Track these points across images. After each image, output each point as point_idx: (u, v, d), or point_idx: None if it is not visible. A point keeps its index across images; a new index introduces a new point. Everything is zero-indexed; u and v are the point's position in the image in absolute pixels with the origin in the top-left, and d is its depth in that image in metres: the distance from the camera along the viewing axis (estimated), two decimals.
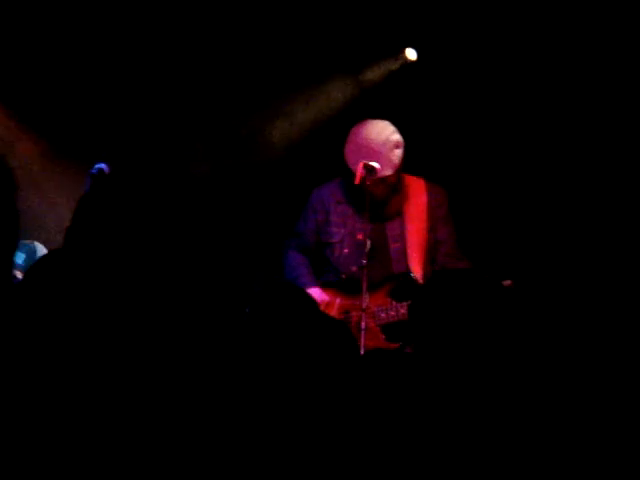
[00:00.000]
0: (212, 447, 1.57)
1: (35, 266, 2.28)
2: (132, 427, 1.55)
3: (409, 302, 3.34)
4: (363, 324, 5.08)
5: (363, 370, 2.66)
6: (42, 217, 6.75)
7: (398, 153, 5.48)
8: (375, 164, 5.36)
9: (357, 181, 5.35)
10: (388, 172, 5.46)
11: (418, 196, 5.63)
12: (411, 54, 6.59)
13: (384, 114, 5.68)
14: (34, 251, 6.23)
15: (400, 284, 5.48)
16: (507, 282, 5.27)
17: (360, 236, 5.39)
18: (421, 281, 5.44)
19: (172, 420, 1.57)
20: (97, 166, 5.46)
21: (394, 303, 5.43)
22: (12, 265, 1.70)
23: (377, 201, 5.49)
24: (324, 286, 5.52)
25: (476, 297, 2.78)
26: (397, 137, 5.50)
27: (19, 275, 5.91)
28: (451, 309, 2.77)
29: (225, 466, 1.57)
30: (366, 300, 5.16)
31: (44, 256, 2.35)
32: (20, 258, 6.20)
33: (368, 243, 5.25)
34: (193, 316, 1.66)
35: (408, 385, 2.60)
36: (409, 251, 5.55)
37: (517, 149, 6.54)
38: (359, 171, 5.34)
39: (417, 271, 5.50)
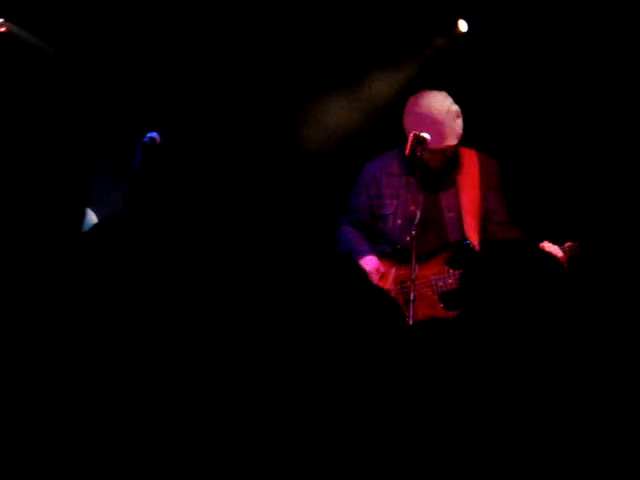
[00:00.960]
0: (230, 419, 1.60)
1: (95, 229, 2.32)
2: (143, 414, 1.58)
3: None
4: (412, 294, 5.10)
5: (406, 342, 2.69)
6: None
7: (460, 122, 5.49)
8: (426, 135, 5.36)
9: (407, 152, 5.36)
10: (453, 141, 5.46)
11: (471, 167, 5.62)
12: (463, 26, 6.56)
13: (435, 85, 5.67)
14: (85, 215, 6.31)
15: (457, 252, 5.48)
16: (571, 244, 5.28)
17: (413, 207, 5.40)
18: (477, 249, 5.45)
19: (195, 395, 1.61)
20: (149, 135, 5.53)
21: (451, 271, 5.43)
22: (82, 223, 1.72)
23: (432, 171, 5.50)
24: (379, 256, 5.54)
25: (527, 268, 2.79)
26: (456, 107, 5.51)
27: None
28: (502, 279, 2.78)
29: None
30: (415, 270, 5.17)
31: (104, 220, 2.38)
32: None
33: (418, 214, 5.25)
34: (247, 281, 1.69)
35: (451, 357, 2.62)
36: (465, 219, 5.56)
37: (568, 121, 6.51)
38: (409, 141, 5.35)
39: (473, 239, 5.51)
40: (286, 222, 6.76)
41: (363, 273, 3.87)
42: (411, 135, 5.36)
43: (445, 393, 2.55)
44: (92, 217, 6.35)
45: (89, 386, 1.56)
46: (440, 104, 5.48)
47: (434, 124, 5.41)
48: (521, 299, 2.72)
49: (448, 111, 5.46)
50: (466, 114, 5.54)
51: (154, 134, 5.56)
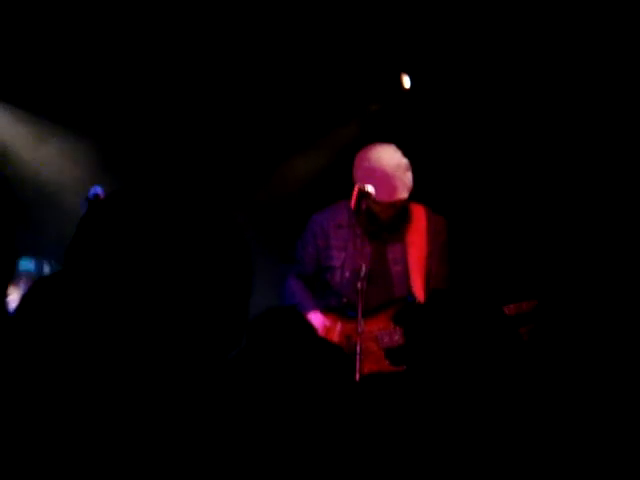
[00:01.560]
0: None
1: (32, 291, 2.26)
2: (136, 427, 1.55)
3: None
4: (358, 348, 5.07)
5: (356, 394, 2.66)
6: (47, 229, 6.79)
7: (409, 176, 5.48)
8: (370, 188, 5.35)
9: (352, 204, 5.36)
10: (404, 195, 5.45)
11: (419, 222, 5.62)
12: (406, 82, 6.61)
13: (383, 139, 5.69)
14: (42, 264, 6.27)
15: (402, 308, 5.46)
16: (530, 303, 5.28)
17: (360, 260, 5.37)
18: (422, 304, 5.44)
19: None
20: (93, 191, 5.50)
21: (397, 327, 5.41)
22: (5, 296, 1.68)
23: (381, 224, 5.49)
24: (325, 311, 5.50)
25: (471, 319, 2.78)
26: (406, 161, 5.51)
27: (24, 285, 5.92)
28: (444, 331, 2.76)
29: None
30: (361, 324, 5.14)
31: (39, 280, 2.32)
32: (31, 265, 6.22)
33: (364, 268, 5.23)
34: (192, 340, 1.64)
35: (399, 408, 2.60)
36: (411, 275, 5.54)
37: (513, 175, 6.57)
38: (354, 195, 5.34)
39: (419, 294, 5.49)
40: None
41: (310, 327, 3.85)
42: (356, 188, 5.35)
43: (390, 446, 2.53)
44: (48, 267, 6.31)
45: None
46: (390, 157, 5.48)
47: (384, 177, 5.40)
48: (464, 352, 2.71)
49: (398, 165, 5.46)
50: (413, 168, 5.55)
51: (97, 189, 5.52)
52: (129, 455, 1.53)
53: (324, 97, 6.87)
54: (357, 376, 4.90)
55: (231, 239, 1.65)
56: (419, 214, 5.64)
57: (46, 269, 6.16)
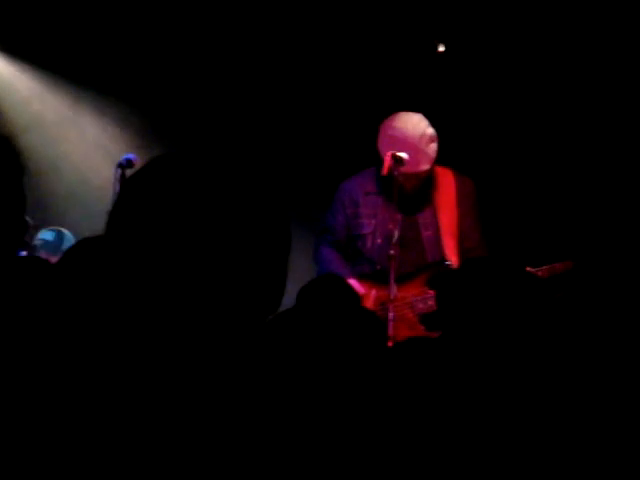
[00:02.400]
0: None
1: (75, 249, 2.27)
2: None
3: None
4: (390, 314, 5.06)
5: (387, 363, 2.66)
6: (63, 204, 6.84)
7: (434, 147, 5.46)
8: (404, 155, 5.33)
9: (385, 172, 5.33)
10: (425, 167, 5.44)
11: (447, 186, 5.60)
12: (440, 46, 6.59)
13: (413, 106, 5.66)
14: (62, 236, 6.30)
15: (436, 272, 5.45)
16: (564, 264, 5.26)
17: (391, 226, 5.36)
18: (456, 268, 5.42)
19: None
20: (125, 157, 5.53)
21: (431, 292, 5.40)
22: (18, 252, 1.69)
23: (408, 193, 5.47)
24: (359, 278, 5.49)
25: (504, 286, 2.77)
26: (432, 131, 5.48)
27: (43, 255, 5.95)
28: (479, 298, 2.76)
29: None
30: (394, 291, 5.14)
31: (83, 240, 2.32)
32: (50, 235, 6.25)
33: (396, 233, 5.22)
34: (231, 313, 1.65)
35: (432, 375, 2.60)
36: (443, 239, 5.53)
37: (541, 139, 6.53)
38: (387, 161, 5.32)
39: (453, 258, 5.48)
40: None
41: (355, 295, 3.86)
42: (388, 155, 5.33)
43: (427, 413, 2.53)
44: (70, 238, 6.32)
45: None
46: (414, 127, 5.45)
47: (408, 147, 5.37)
48: (499, 317, 2.71)
49: (423, 135, 5.43)
50: (443, 134, 5.52)
51: (131, 156, 5.55)
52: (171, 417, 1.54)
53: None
54: (390, 342, 4.90)
55: (269, 205, 1.66)
56: (446, 177, 5.62)
57: (66, 242, 6.19)
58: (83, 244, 2.38)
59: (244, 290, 1.61)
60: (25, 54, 7.01)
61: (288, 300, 1.82)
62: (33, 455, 1.49)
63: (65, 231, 6.39)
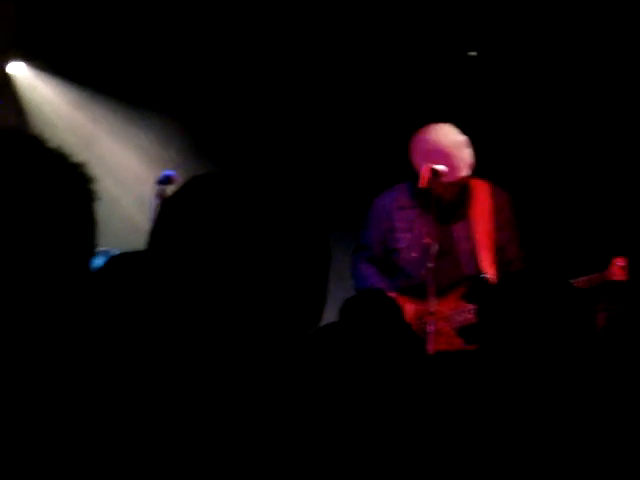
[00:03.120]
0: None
1: (111, 264, 2.28)
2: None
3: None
4: (429, 328, 5.05)
5: (428, 373, 2.66)
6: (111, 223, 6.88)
7: (469, 152, 5.46)
8: (441, 167, 5.33)
9: (424, 184, 5.32)
10: (465, 172, 5.43)
11: (483, 198, 5.58)
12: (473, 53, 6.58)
13: (442, 118, 5.65)
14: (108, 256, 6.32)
15: (473, 286, 5.43)
16: (601, 275, 5.24)
17: (427, 240, 5.35)
18: (494, 281, 5.40)
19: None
20: (165, 173, 5.55)
21: (469, 306, 5.39)
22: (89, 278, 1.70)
23: (445, 204, 5.46)
24: (396, 292, 5.48)
25: (546, 299, 2.75)
26: (463, 137, 5.48)
27: None
28: (520, 311, 2.74)
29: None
30: (434, 304, 5.13)
31: (120, 255, 2.33)
32: (99, 262, 6.29)
33: (435, 246, 5.22)
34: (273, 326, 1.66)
35: (467, 388, 2.59)
36: (479, 252, 5.51)
37: (575, 149, 6.50)
38: (425, 174, 5.31)
39: (489, 271, 5.46)
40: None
41: (398, 309, 3.86)
42: (427, 167, 5.32)
43: (466, 426, 2.52)
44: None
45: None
46: (445, 136, 5.46)
47: (444, 157, 5.38)
48: (540, 332, 2.69)
49: (456, 142, 5.44)
50: (476, 144, 5.51)
51: (170, 172, 5.57)
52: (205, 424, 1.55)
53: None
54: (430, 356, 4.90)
55: (309, 223, 1.67)
56: (482, 190, 5.60)
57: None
58: (118, 260, 2.38)
59: (286, 306, 1.62)
60: (64, 69, 7.07)
61: (327, 317, 1.82)
62: (35, 453, 1.50)
63: (111, 250, 6.42)
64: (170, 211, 1.65)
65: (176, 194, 1.67)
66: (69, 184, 1.61)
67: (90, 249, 1.63)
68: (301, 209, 1.68)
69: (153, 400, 1.56)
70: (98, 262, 6.49)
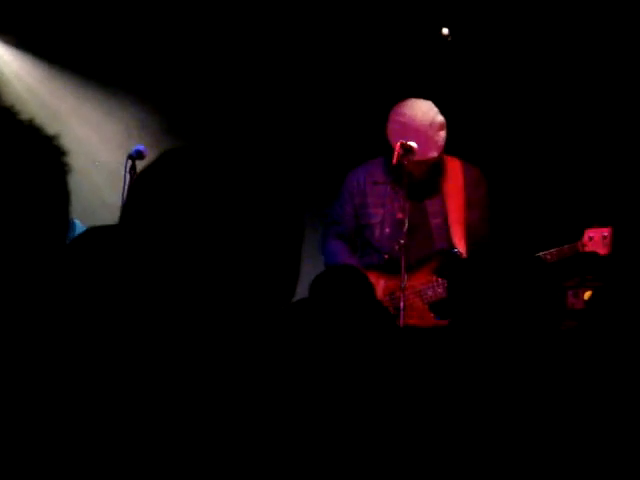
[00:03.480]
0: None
1: (82, 238, 2.27)
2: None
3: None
4: (402, 304, 5.08)
5: (400, 349, 2.67)
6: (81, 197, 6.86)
7: (442, 135, 5.46)
8: (413, 144, 5.34)
9: (395, 160, 5.33)
10: (434, 154, 5.44)
11: (455, 175, 5.61)
12: (445, 31, 6.56)
13: (421, 94, 5.66)
14: (73, 227, 6.31)
15: (445, 260, 5.45)
16: (572, 246, 5.26)
17: (400, 215, 5.36)
18: (465, 256, 5.42)
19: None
20: (136, 148, 5.55)
21: (439, 280, 5.41)
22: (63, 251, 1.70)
23: (417, 180, 5.47)
24: (367, 268, 5.49)
25: (514, 273, 2.77)
26: (441, 118, 5.48)
27: None
28: (490, 284, 2.76)
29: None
30: (405, 280, 5.15)
31: (91, 229, 2.32)
32: None
33: (406, 222, 5.23)
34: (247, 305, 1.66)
35: (442, 365, 2.61)
36: (451, 227, 5.53)
37: (551, 126, 6.52)
38: (397, 150, 5.32)
39: (460, 246, 5.48)
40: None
41: (369, 286, 3.87)
42: (398, 144, 5.33)
43: (436, 400, 2.54)
44: (80, 228, 6.33)
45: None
46: (423, 114, 5.46)
47: (417, 135, 5.38)
48: (509, 305, 2.71)
49: (432, 122, 5.44)
50: (450, 121, 5.52)
51: (141, 147, 5.56)
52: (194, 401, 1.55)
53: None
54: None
55: (282, 196, 1.67)
56: (454, 167, 5.62)
57: (76, 232, 6.19)
58: (91, 233, 2.37)
59: (258, 281, 1.62)
60: (33, 46, 7.03)
61: (297, 294, 1.83)
62: (33, 453, 1.50)
63: (75, 220, 6.40)
64: (142, 185, 1.65)
65: (148, 168, 1.67)
66: (43, 156, 1.61)
67: (65, 222, 1.63)
68: (275, 183, 1.68)
69: (127, 376, 1.56)
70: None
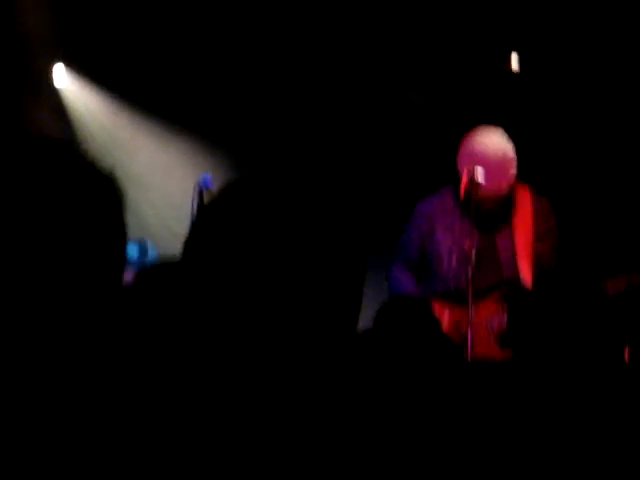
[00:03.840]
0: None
1: (147, 274, 2.30)
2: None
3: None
4: (469, 337, 5.04)
5: (467, 381, 2.67)
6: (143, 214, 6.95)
7: (513, 172, 5.39)
8: (481, 179, 5.27)
9: (462, 196, 5.30)
10: (504, 190, 5.38)
11: (524, 206, 5.53)
12: (514, 62, 6.55)
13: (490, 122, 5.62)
14: (146, 249, 6.38)
15: (510, 290, 5.41)
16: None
17: (468, 247, 5.33)
18: (530, 287, 5.37)
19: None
20: (202, 180, 5.60)
21: (504, 309, 5.37)
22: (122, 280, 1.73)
23: (486, 211, 5.42)
24: (431, 297, 5.45)
25: (579, 305, 2.75)
26: (512, 154, 5.39)
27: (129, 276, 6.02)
28: (552, 316, 2.75)
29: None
30: (472, 312, 5.11)
31: (158, 265, 2.36)
32: (133, 251, 6.34)
33: (474, 254, 5.20)
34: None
35: (502, 396, 2.60)
36: (519, 261, 5.48)
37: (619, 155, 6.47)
38: (464, 185, 5.29)
39: (527, 278, 5.43)
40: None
41: (434, 316, 3.86)
42: (465, 179, 5.30)
43: (501, 435, 2.53)
44: (153, 249, 6.40)
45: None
46: (495, 149, 5.36)
47: (488, 168, 5.31)
48: (573, 336, 2.70)
49: (504, 156, 5.36)
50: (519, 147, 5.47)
51: (207, 179, 5.61)
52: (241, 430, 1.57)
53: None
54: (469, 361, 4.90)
55: (347, 227, 1.69)
56: (524, 197, 5.55)
57: (151, 253, 6.25)
58: (156, 269, 2.41)
59: (322, 312, 1.64)
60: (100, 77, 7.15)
61: (361, 322, 1.84)
62: (37, 452, 1.52)
63: (148, 243, 6.46)
64: (206, 220, 1.67)
65: (213, 202, 1.69)
66: (101, 197, 1.64)
67: (121, 262, 1.66)
68: (339, 214, 1.69)
69: (191, 411, 1.59)
70: (132, 253, 6.52)
